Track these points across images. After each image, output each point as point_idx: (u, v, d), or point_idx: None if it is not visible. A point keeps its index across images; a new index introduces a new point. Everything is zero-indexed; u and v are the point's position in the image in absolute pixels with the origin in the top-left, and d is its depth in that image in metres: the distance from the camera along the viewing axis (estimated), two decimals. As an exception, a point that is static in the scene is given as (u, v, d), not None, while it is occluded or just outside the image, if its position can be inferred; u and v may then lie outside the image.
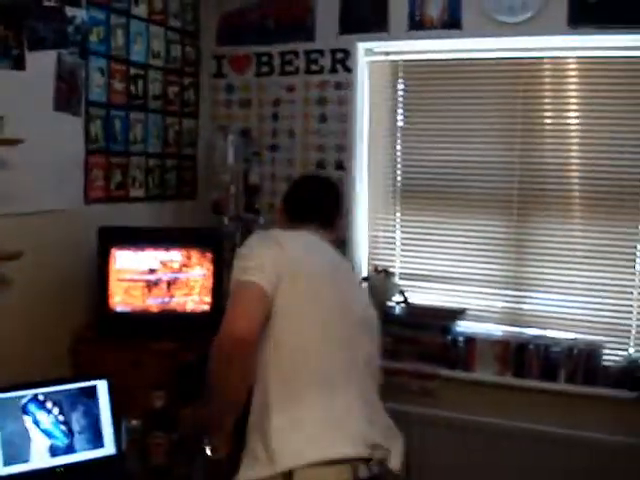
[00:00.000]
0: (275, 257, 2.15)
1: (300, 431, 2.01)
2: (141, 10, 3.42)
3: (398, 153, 3.77)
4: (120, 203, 3.36)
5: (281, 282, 2.11)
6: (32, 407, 2.47)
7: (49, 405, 2.51)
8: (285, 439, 2.00)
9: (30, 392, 2.47)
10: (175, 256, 3.04)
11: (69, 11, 2.95)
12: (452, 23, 3.45)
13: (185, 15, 3.76)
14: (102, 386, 2.65)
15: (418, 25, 3.51)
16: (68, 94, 3.00)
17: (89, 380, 2.64)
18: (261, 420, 2.05)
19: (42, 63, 2.85)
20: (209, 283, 3.06)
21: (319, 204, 2.49)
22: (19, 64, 2.72)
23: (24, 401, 2.46)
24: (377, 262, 3.77)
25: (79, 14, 3.02)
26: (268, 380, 2.08)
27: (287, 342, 2.10)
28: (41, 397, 2.50)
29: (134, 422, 2.62)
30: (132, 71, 3.39)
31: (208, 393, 2.09)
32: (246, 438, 2.10)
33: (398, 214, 3.79)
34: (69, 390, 2.57)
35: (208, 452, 2.20)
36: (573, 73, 3.44)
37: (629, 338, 3.37)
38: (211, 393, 2.09)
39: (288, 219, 2.47)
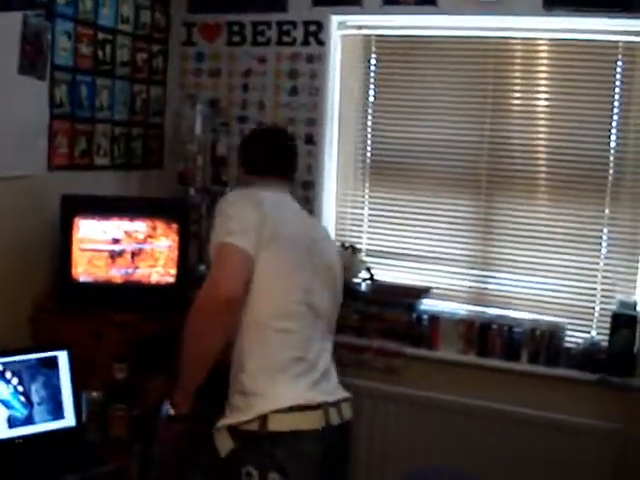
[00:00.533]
0: (257, 220, 2.19)
1: (275, 382, 2.16)
2: (110, -27, 3.34)
3: (369, 129, 3.74)
4: (84, 171, 3.29)
5: (262, 246, 2.17)
6: (-9, 377, 2.43)
7: (8, 375, 2.48)
8: (260, 388, 2.15)
9: (-11, 362, 2.43)
10: (140, 226, 2.99)
11: (36, -29, 2.87)
12: (427, -1, 3.42)
13: (156, -20, 3.68)
14: (63, 357, 2.61)
15: (393, 0, 3.48)
16: (33, 57, 2.91)
17: (50, 350, 2.60)
18: (237, 376, 2.20)
19: (7, 24, 2.76)
20: (174, 255, 3.01)
21: (284, 158, 2.57)
22: (-17, 24, 2.64)
23: (-17, 371, 2.41)
24: (344, 238, 3.75)
25: (46, -26, 2.93)
26: (245, 341, 2.21)
27: (266, 307, 2.21)
28: (0, 367, 2.45)
29: (94, 394, 2.60)
30: (100, 36, 3.31)
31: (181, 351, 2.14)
32: (228, 397, 2.22)
33: (367, 190, 3.76)
34: (29, 360, 2.53)
35: (170, 411, 2.27)
36: (544, 55, 3.43)
37: (592, 320, 3.40)
38: (186, 351, 2.14)
39: (249, 172, 2.54)
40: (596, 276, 3.39)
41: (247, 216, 2.21)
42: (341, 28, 3.69)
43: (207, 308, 2.08)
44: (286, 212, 2.37)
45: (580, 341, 3.37)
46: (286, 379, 2.18)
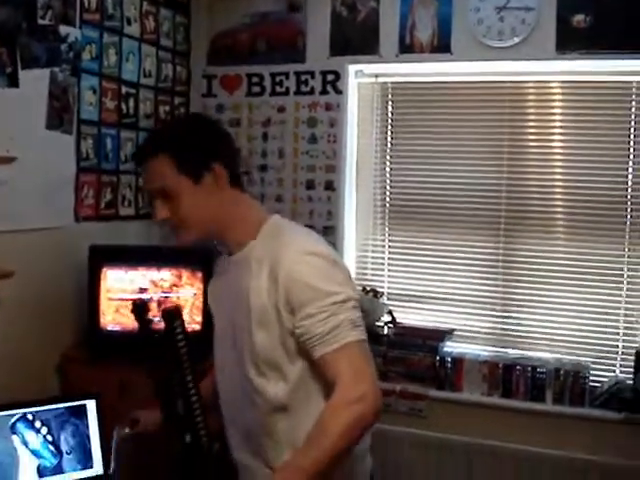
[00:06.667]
0: None
1: None
2: (133, 29, 3.44)
3: (387, 174, 3.79)
4: (110, 221, 3.36)
5: None
6: (21, 427, 2.43)
7: (38, 424, 2.48)
8: None
9: (19, 411, 2.44)
10: (165, 275, 3.04)
11: (63, 30, 2.97)
12: (442, 47, 3.49)
13: (177, 35, 3.79)
14: (91, 406, 2.63)
15: (408, 48, 3.55)
16: (60, 112, 3.00)
17: (78, 399, 2.62)
18: None
19: (35, 81, 2.85)
20: (200, 302, 3.06)
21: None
22: (13, 82, 2.73)
23: (12, 420, 2.43)
24: (365, 282, 3.78)
25: (72, 33, 3.03)
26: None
27: None
28: (30, 416, 2.47)
29: (127, 430, 2.30)
30: (124, 90, 3.41)
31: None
32: None
33: (387, 234, 3.81)
34: (58, 409, 2.55)
35: None
36: (558, 97, 3.49)
37: (616, 359, 3.40)
38: (335, 448, 1.62)
39: (231, 186, 1.82)
40: (618, 314, 3.39)
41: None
42: (358, 77, 3.77)
43: (371, 419, 1.64)
44: None
45: (604, 380, 3.36)
46: None
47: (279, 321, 1.71)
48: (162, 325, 1.85)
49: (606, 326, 3.41)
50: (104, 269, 2.96)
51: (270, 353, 1.75)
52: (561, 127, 3.48)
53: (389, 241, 3.81)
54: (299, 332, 1.69)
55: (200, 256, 3.22)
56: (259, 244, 1.79)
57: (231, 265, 1.87)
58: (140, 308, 1.87)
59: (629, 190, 3.37)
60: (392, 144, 3.78)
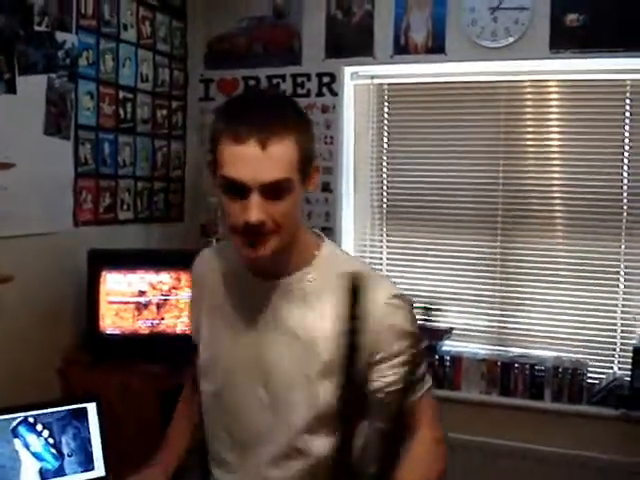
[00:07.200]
0: None
1: None
2: (130, 35, 3.45)
3: (384, 175, 3.81)
4: (109, 225, 3.38)
5: None
6: (22, 430, 2.44)
7: (39, 428, 2.50)
8: None
9: (20, 415, 2.46)
10: (164, 278, 3.06)
11: (59, 36, 2.99)
12: (436, 48, 3.51)
13: (173, 40, 3.80)
14: (92, 408, 2.64)
15: (403, 50, 3.57)
16: (58, 118, 3.02)
17: (79, 402, 2.63)
18: None
19: (32, 87, 2.87)
20: (198, 305, 3.07)
21: None
22: (10, 88, 2.75)
23: (14, 424, 2.44)
24: (364, 283, 3.78)
25: (69, 39, 3.05)
26: None
27: None
28: (31, 420, 2.48)
29: None
30: (121, 95, 3.42)
31: None
32: None
33: (384, 235, 3.83)
34: (59, 412, 2.56)
35: None
36: (554, 96, 3.51)
37: (613, 356, 3.41)
38: None
39: None
40: (615, 312, 3.41)
41: None
42: (354, 78, 3.80)
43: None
44: None
45: (602, 377, 3.38)
46: None
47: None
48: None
49: (604, 323, 3.43)
50: (103, 273, 2.98)
51: (330, 406, 1.50)
52: (556, 126, 3.51)
53: (387, 242, 3.83)
54: (389, 380, 1.50)
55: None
56: (315, 275, 1.55)
57: (263, 288, 1.58)
58: None
59: (624, 187, 3.39)
60: (389, 145, 3.80)
